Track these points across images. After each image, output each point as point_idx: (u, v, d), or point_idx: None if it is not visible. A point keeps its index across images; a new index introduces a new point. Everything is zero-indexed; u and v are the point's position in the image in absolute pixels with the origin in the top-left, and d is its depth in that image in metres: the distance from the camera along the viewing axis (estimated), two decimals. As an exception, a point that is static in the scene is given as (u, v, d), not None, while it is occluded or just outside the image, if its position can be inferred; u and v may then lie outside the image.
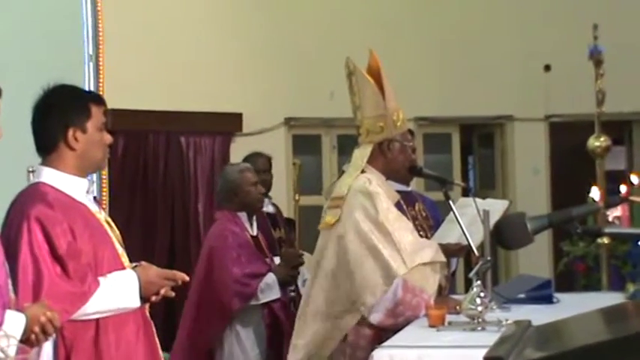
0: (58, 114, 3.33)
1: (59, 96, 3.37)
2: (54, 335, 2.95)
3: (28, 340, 2.88)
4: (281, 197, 6.77)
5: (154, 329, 3.43)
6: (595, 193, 5.52)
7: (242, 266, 5.33)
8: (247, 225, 5.53)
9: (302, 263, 5.49)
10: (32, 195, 3.27)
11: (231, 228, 5.45)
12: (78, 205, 3.30)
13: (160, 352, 3.45)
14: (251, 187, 5.51)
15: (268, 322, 5.41)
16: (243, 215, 5.53)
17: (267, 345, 5.41)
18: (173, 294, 3.37)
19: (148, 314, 3.41)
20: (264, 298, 5.35)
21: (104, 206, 5.82)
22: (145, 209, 7.94)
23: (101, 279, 3.22)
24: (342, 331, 4.11)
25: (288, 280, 5.47)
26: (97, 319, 3.21)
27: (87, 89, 5.21)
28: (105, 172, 6.54)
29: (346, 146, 4.52)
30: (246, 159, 6.29)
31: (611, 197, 5.19)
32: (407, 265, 4.05)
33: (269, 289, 5.35)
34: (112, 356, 3.22)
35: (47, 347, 3.03)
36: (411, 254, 4.07)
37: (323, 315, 4.17)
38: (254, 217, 5.60)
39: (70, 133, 3.31)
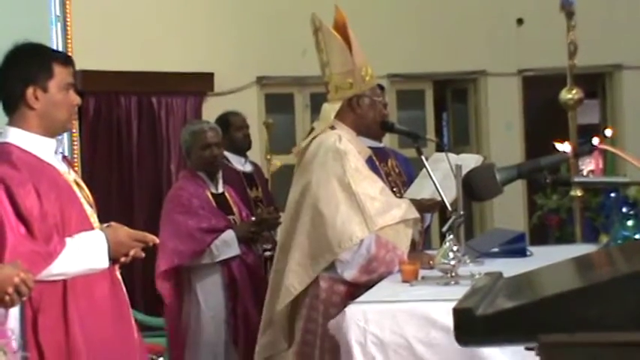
0: (18, 72, 3.28)
1: (21, 53, 3.31)
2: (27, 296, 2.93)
3: (2, 301, 2.86)
4: (254, 157, 6.74)
5: (124, 289, 3.40)
6: (562, 147, 5.52)
7: (197, 221, 5.28)
8: (209, 183, 5.49)
9: (278, 224, 5.45)
10: None
11: (186, 186, 5.42)
12: (44, 165, 3.25)
13: (131, 312, 3.42)
14: (203, 150, 5.44)
15: (228, 281, 5.33)
16: (203, 174, 5.49)
17: (228, 304, 5.33)
18: (143, 255, 3.34)
19: (118, 275, 3.38)
20: (220, 255, 5.30)
21: (76, 168, 5.79)
22: (120, 170, 7.91)
23: (68, 240, 3.18)
24: (304, 283, 4.10)
25: (250, 237, 5.42)
26: (65, 280, 3.18)
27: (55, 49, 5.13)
28: (76, 134, 6.51)
29: (319, 105, 4.48)
30: (221, 118, 6.25)
31: (582, 146, 5.19)
32: (369, 227, 4.03)
33: (226, 246, 5.30)
34: (81, 317, 3.18)
35: (14, 308, 3.01)
36: (374, 217, 4.04)
37: (294, 267, 4.17)
38: (219, 175, 5.54)
39: (30, 91, 3.25)
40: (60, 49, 6.11)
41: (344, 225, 4.02)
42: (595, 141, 5.62)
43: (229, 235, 5.32)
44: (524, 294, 2.08)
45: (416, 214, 4.24)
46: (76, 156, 6.34)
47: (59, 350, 3.14)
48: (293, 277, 4.12)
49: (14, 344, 2.88)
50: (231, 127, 6.18)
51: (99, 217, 3.41)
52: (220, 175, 5.56)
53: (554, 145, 5.54)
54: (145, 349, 3.57)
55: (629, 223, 4.26)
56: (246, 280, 5.34)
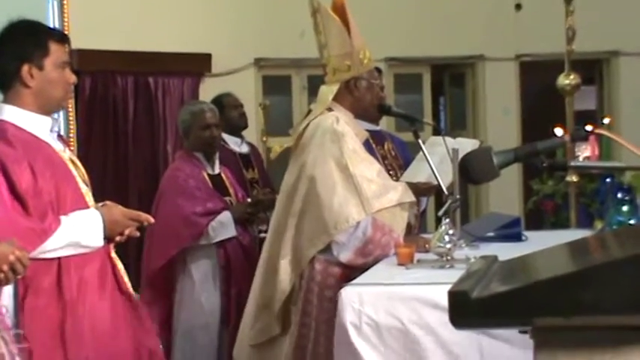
0: (13, 49, 3.27)
1: (17, 31, 3.30)
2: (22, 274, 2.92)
3: None
4: (250, 138, 6.74)
5: (121, 268, 3.40)
6: (559, 132, 5.53)
7: (193, 204, 5.27)
8: (206, 164, 5.48)
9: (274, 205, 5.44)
10: None
11: (183, 168, 5.40)
12: (40, 143, 3.25)
13: (130, 290, 3.42)
14: (203, 131, 5.42)
15: (223, 262, 5.33)
16: (200, 155, 5.48)
17: (222, 286, 5.34)
18: (138, 234, 3.35)
19: (113, 254, 3.38)
20: (216, 237, 5.29)
21: (72, 148, 5.77)
22: (116, 150, 7.90)
23: (63, 218, 3.18)
24: (301, 265, 4.11)
25: (246, 218, 5.42)
26: (59, 258, 3.18)
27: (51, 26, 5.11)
28: (72, 113, 6.49)
29: (316, 87, 4.48)
30: (214, 101, 6.24)
31: (578, 131, 5.19)
32: (365, 210, 4.03)
33: (222, 228, 5.29)
34: (74, 295, 3.18)
35: (7, 286, 3.01)
36: (370, 199, 4.04)
37: (285, 249, 4.17)
38: (216, 156, 5.54)
39: (25, 69, 3.25)
40: (56, 27, 6.08)
41: (341, 207, 4.02)
42: (589, 129, 5.61)
43: (226, 216, 5.32)
44: (519, 277, 2.09)
45: (412, 198, 4.24)
46: (72, 135, 6.32)
47: (53, 329, 3.14)
48: (287, 265, 4.13)
49: (8, 321, 2.88)
50: (226, 107, 6.16)
51: (94, 196, 3.40)
52: (217, 156, 5.56)
53: (553, 131, 5.54)
54: (147, 327, 3.52)
55: (624, 208, 4.27)
56: (242, 262, 5.33)
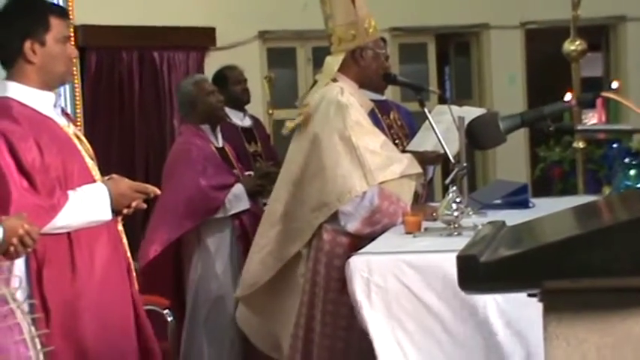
0: (15, 26, 3.28)
1: (17, 8, 3.31)
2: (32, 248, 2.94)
3: (7, 253, 2.88)
4: (256, 111, 6.73)
5: (126, 241, 3.42)
6: (569, 98, 5.52)
7: (208, 178, 5.28)
8: (212, 137, 5.48)
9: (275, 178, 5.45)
10: None
11: (194, 141, 5.39)
12: (44, 119, 3.26)
13: (132, 263, 3.44)
14: (209, 97, 5.43)
15: (239, 234, 5.35)
16: (206, 127, 5.47)
17: (239, 257, 5.35)
18: (145, 206, 3.38)
19: (120, 227, 3.40)
20: (232, 209, 5.30)
21: (79, 124, 5.78)
22: (122, 126, 7.90)
23: (70, 192, 3.20)
24: (305, 235, 4.13)
25: (257, 191, 5.43)
26: (69, 233, 3.20)
27: (51, 2, 5.10)
28: (78, 90, 6.49)
29: (321, 59, 4.47)
30: (218, 73, 6.23)
31: (585, 94, 5.18)
32: (368, 182, 4.03)
33: (237, 200, 5.30)
34: (87, 269, 3.21)
35: (19, 260, 3.03)
36: (374, 171, 4.04)
37: (286, 217, 4.19)
38: (218, 129, 5.54)
39: (27, 45, 3.26)
40: (60, 4, 6.07)
41: (344, 179, 4.02)
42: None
43: (239, 188, 5.33)
44: (528, 241, 2.09)
45: (418, 169, 4.23)
46: (78, 111, 6.33)
47: (64, 301, 3.17)
48: (277, 237, 4.16)
49: (21, 293, 2.89)
50: (229, 81, 6.14)
51: (101, 170, 3.42)
52: (219, 128, 5.56)
53: (561, 98, 5.53)
54: (140, 302, 3.55)
55: (632, 172, 4.26)
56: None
